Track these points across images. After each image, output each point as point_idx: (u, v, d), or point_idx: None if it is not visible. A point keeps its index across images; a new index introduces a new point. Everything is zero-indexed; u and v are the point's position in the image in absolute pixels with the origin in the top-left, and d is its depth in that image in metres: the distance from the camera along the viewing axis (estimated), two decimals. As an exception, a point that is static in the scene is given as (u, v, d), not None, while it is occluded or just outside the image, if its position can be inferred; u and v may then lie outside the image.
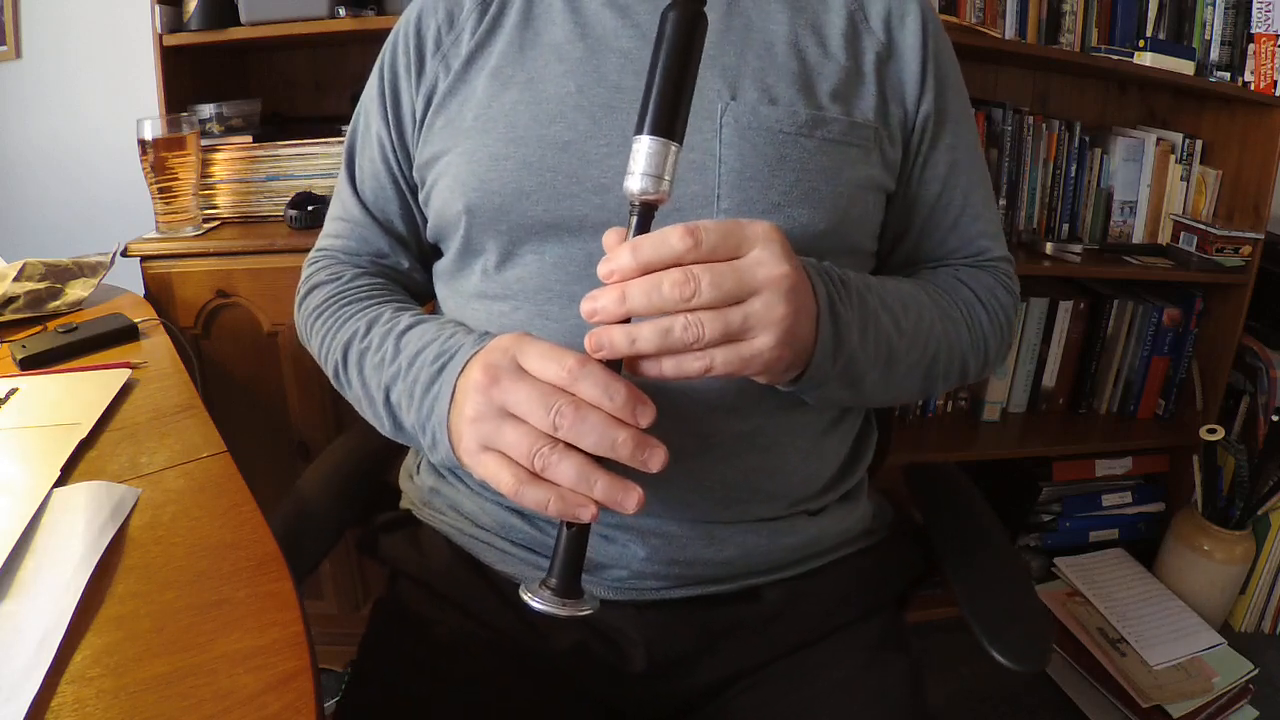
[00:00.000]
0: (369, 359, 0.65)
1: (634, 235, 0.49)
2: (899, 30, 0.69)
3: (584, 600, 0.51)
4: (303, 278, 0.79)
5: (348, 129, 0.79)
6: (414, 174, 0.73)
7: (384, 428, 0.65)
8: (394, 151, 0.73)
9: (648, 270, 0.47)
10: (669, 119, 0.49)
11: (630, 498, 0.48)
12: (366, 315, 0.69)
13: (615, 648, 0.67)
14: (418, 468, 0.79)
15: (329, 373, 0.71)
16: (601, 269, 0.49)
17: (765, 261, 0.49)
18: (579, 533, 0.51)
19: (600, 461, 0.48)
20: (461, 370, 0.56)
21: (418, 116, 0.71)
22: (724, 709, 0.69)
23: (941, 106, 0.70)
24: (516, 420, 0.50)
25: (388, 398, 0.63)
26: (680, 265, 0.47)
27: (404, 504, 0.80)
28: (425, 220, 0.74)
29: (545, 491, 0.48)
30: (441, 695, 0.63)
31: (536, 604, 0.51)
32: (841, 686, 0.67)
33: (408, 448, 0.84)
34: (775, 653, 0.69)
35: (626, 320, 0.49)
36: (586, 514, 0.48)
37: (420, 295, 0.80)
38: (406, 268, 0.78)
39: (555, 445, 0.48)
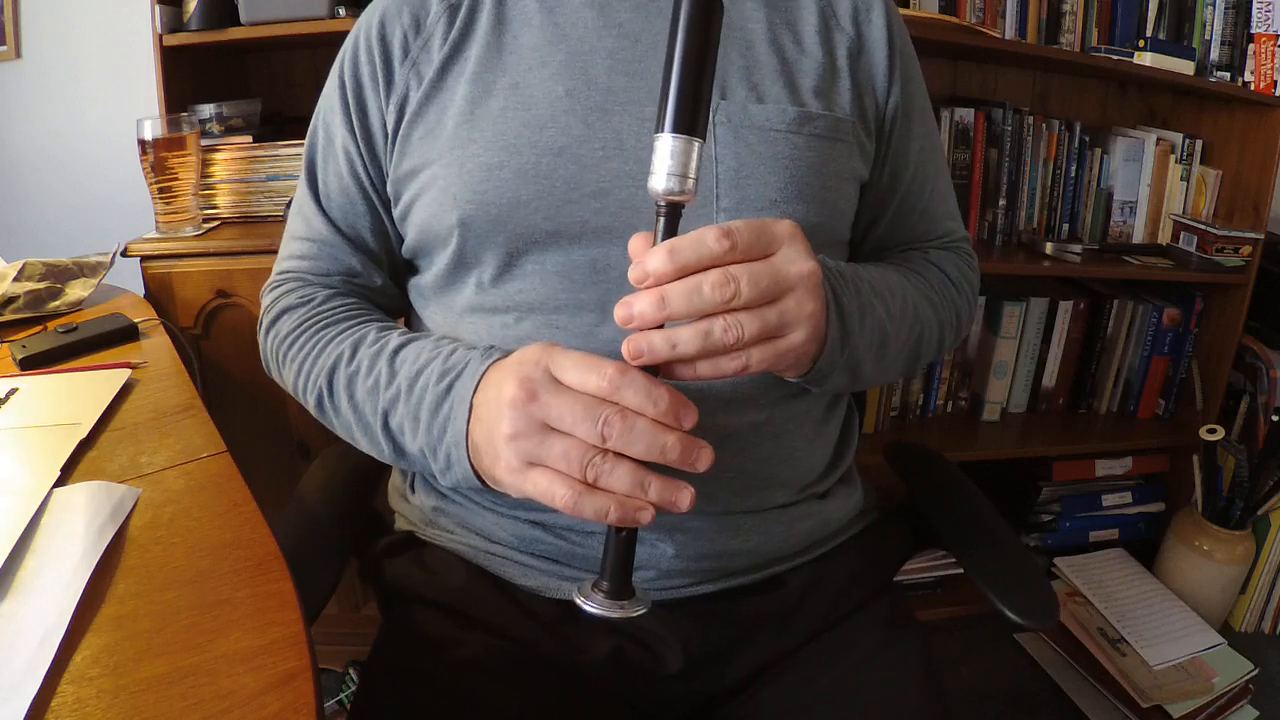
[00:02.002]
0: (359, 383, 0.63)
1: (663, 236, 0.49)
2: (866, 25, 0.71)
3: (637, 600, 0.51)
4: (266, 304, 0.75)
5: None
6: (388, 188, 0.70)
7: (383, 454, 0.63)
8: (364, 165, 0.70)
9: (685, 273, 0.47)
10: (690, 114, 0.48)
11: (684, 496, 0.49)
12: (349, 338, 0.66)
13: (650, 650, 0.67)
14: (411, 487, 0.77)
15: (309, 402, 0.68)
16: (634, 274, 0.48)
17: (794, 259, 0.50)
18: (629, 535, 0.51)
19: (646, 464, 0.49)
20: (476, 387, 0.55)
21: (389, 128, 0.68)
22: (755, 699, 0.69)
23: (908, 96, 0.72)
24: (561, 434, 0.49)
25: (386, 422, 0.61)
26: (716, 267, 0.47)
27: (401, 525, 0.77)
28: (399, 235, 0.72)
29: (603, 500, 0.48)
30: (474, 714, 0.61)
31: (590, 608, 0.50)
32: (865, 664, 0.68)
33: (389, 467, 0.81)
34: (801, 639, 0.70)
35: (659, 325, 0.49)
36: (646, 517, 0.48)
37: (394, 312, 0.77)
38: (380, 285, 0.74)
39: (606, 455, 0.48)
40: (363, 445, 0.65)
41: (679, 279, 0.47)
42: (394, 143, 0.68)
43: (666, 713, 0.70)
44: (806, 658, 0.70)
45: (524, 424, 0.50)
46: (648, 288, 0.48)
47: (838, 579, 0.72)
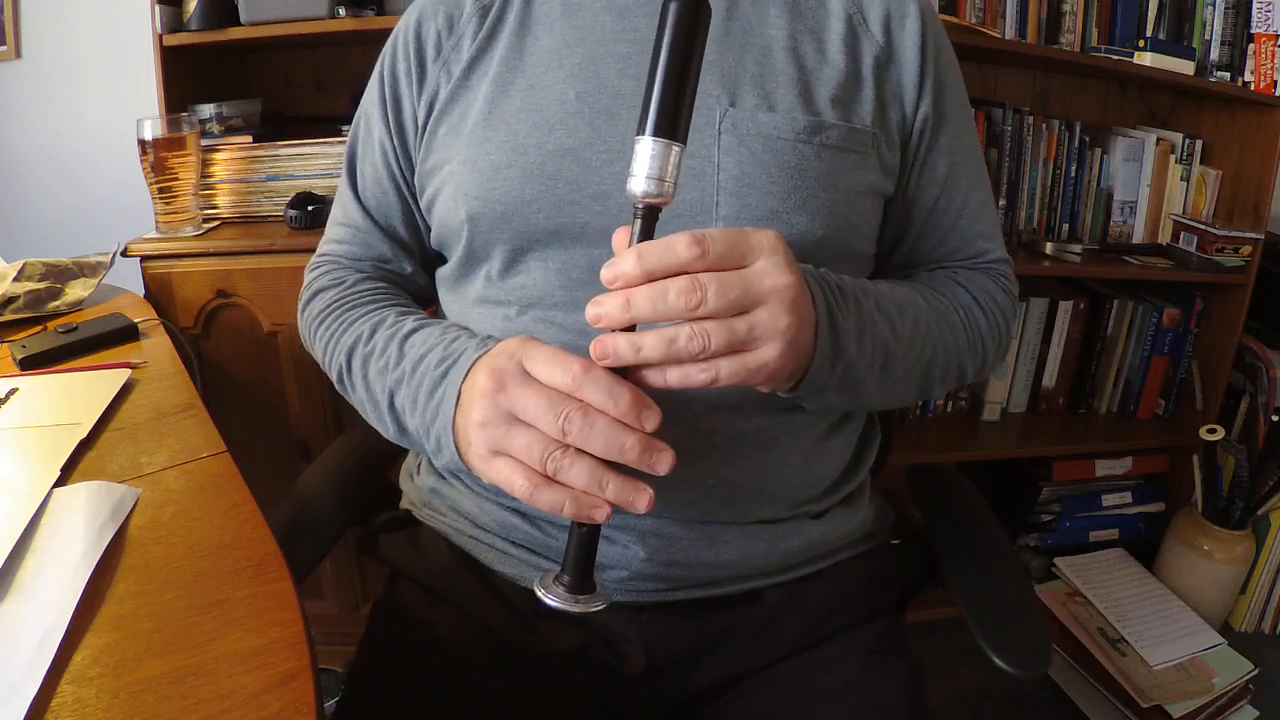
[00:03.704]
0: (373, 363, 0.65)
1: (638, 239, 0.49)
2: (898, 33, 0.68)
3: (596, 596, 0.52)
4: (305, 283, 0.79)
5: (348, 131, 0.79)
6: (416, 180, 0.73)
7: (388, 432, 0.65)
8: (396, 158, 0.73)
9: (653, 277, 0.47)
10: (671, 119, 0.48)
11: (641, 498, 0.49)
12: (370, 320, 0.69)
13: (614, 649, 0.67)
14: (418, 468, 0.79)
15: (333, 377, 0.71)
16: (605, 274, 0.48)
17: (770, 272, 0.49)
18: (590, 531, 0.52)
19: (610, 463, 0.49)
20: (466, 375, 0.56)
21: (420, 123, 0.71)
22: (723, 712, 0.69)
23: (940, 108, 0.70)
24: (526, 425, 0.50)
25: (392, 402, 0.63)
26: (686, 273, 0.47)
27: (404, 504, 0.80)
28: (429, 226, 0.74)
29: (559, 494, 0.49)
30: (440, 696, 0.63)
31: (551, 600, 0.51)
32: (841, 691, 0.67)
33: (408, 448, 0.84)
34: (775, 655, 0.69)
35: (631, 327, 0.49)
36: (601, 514, 0.49)
37: (423, 299, 0.80)
38: (409, 272, 0.78)
39: (566, 450, 0.48)
40: (373, 422, 0.67)
41: (648, 283, 0.47)
42: (422, 138, 0.71)
43: (631, 713, 0.70)
44: (783, 675, 0.69)
45: (492, 413, 0.51)
46: (617, 289, 0.48)
47: (822, 600, 0.70)
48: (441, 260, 0.76)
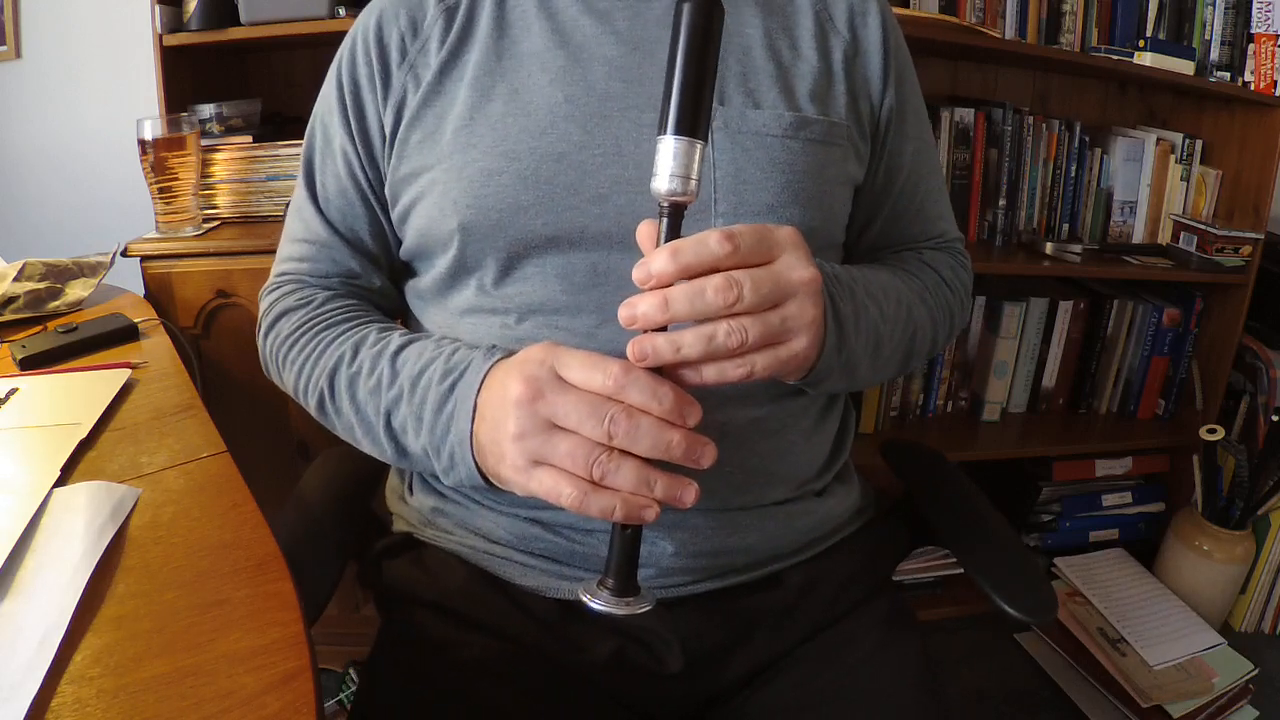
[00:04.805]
0: (361, 384, 0.63)
1: (665, 237, 0.49)
2: (862, 28, 0.71)
3: (641, 598, 0.52)
4: (264, 306, 0.75)
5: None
6: (386, 190, 0.70)
7: (385, 454, 0.63)
8: (362, 166, 0.70)
9: (687, 274, 0.48)
10: (693, 117, 0.49)
11: (689, 492, 0.49)
12: (350, 339, 0.66)
13: (650, 650, 0.67)
14: (409, 488, 0.77)
15: (310, 403, 0.68)
16: (637, 274, 0.48)
17: (795, 266, 0.50)
18: (634, 532, 0.52)
19: (650, 461, 0.49)
20: (479, 386, 0.55)
21: (387, 131, 0.68)
22: (753, 700, 0.69)
23: (902, 98, 0.73)
24: (566, 432, 0.50)
25: (389, 422, 0.61)
26: (718, 270, 0.48)
27: (400, 526, 0.77)
28: (397, 237, 0.72)
29: (609, 499, 0.49)
30: (471, 718, 0.61)
31: (596, 605, 0.51)
32: (864, 664, 0.68)
33: (388, 469, 0.81)
34: (797, 639, 0.70)
35: (663, 327, 0.49)
36: (651, 514, 0.49)
37: (392, 313, 0.77)
38: (379, 286, 0.75)
39: (611, 453, 0.48)
40: (364, 446, 0.65)
41: (681, 280, 0.48)
42: (392, 145, 0.68)
43: (665, 713, 0.70)
44: (804, 657, 0.70)
45: (530, 423, 0.50)
46: (650, 289, 0.48)
47: (835, 578, 0.72)
48: (410, 273, 0.74)
